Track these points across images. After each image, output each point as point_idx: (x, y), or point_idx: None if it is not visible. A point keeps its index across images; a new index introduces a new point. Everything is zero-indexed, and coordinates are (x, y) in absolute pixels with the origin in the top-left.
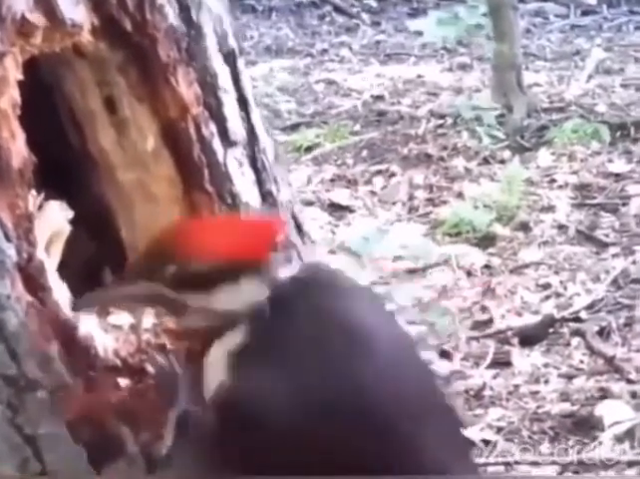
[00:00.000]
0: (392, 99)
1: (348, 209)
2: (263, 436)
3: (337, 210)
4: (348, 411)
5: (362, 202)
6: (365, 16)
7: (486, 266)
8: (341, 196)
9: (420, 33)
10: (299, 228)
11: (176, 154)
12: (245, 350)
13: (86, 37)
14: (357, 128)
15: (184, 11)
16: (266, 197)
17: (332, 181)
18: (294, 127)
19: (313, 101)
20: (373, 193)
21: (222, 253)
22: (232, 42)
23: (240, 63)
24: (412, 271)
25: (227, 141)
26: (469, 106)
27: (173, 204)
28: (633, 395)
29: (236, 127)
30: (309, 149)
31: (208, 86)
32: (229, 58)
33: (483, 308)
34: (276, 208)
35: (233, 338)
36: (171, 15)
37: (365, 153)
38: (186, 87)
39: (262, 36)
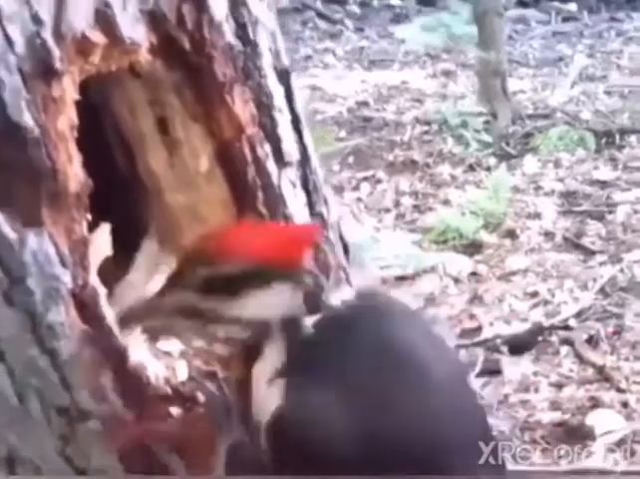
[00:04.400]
0: (376, 105)
1: None
2: (316, 463)
3: None
4: (400, 441)
5: (348, 208)
6: (348, 22)
7: (474, 274)
8: None
9: (403, 40)
10: (346, 249)
11: (230, 175)
12: (295, 371)
13: (144, 55)
14: (342, 134)
15: (241, 28)
16: (317, 218)
17: None
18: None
19: None
20: (359, 199)
21: (254, 256)
22: (285, 60)
23: (293, 81)
24: (400, 279)
25: (282, 162)
26: (455, 112)
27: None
28: (624, 404)
29: (290, 147)
30: None
31: (264, 105)
32: (283, 76)
33: (472, 316)
34: (327, 230)
35: (275, 354)
36: (229, 33)
37: (351, 159)
38: (242, 106)
39: None
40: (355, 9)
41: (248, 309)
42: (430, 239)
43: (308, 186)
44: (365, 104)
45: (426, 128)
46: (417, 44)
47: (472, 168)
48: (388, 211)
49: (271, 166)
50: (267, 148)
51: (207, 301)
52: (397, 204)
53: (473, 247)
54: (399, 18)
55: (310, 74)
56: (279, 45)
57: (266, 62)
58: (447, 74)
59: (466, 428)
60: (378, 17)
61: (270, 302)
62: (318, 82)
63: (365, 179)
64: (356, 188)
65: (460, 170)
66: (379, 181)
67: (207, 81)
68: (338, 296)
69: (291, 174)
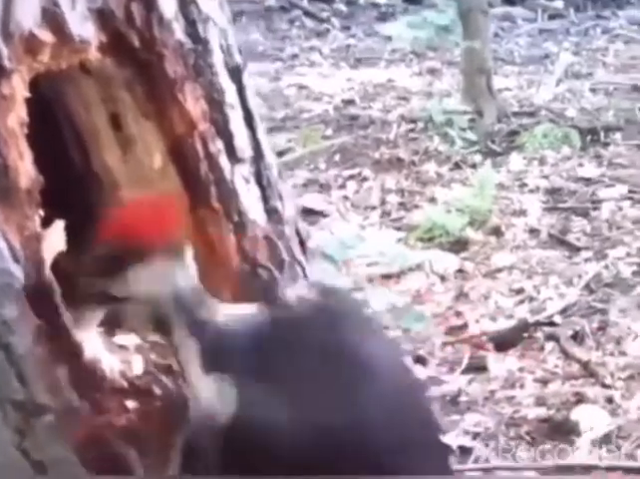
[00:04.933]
0: (363, 103)
1: (321, 213)
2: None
3: (310, 215)
4: (350, 441)
5: (335, 206)
6: (335, 20)
7: (460, 271)
8: (314, 201)
9: (389, 38)
10: (303, 244)
11: (183, 171)
12: (241, 371)
13: (93, 54)
14: (329, 132)
15: (191, 26)
16: (271, 213)
17: (304, 185)
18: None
19: (284, 105)
20: (346, 197)
21: (121, 235)
22: (237, 57)
23: (245, 78)
24: (386, 277)
25: (234, 157)
26: (440, 110)
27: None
28: (609, 400)
29: (243, 143)
30: (281, 154)
31: (215, 102)
32: (235, 73)
33: (458, 313)
34: (282, 224)
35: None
36: (179, 31)
37: (337, 157)
38: (193, 103)
39: None
40: (342, 7)
41: (133, 287)
42: (416, 237)
43: (262, 181)
44: (351, 102)
45: (411, 126)
46: (403, 42)
47: (457, 165)
48: (374, 208)
49: (224, 161)
50: (219, 144)
51: (99, 284)
52: (383, 201)
53: (458, 245)
54: (385, 16)
55: (297, 72)
56: (230, 42)
57: (217, 59)
58: (432, 72)
59: (412, 429)
60: (364, 15)
61: (157, 279)
62: (304, 80)
63: (351, 177)
64: (342, 186)
65: (445, 167)
66: (365, 178)
67: (158, 78)
68: (294, 292)
69: (244, 169)
